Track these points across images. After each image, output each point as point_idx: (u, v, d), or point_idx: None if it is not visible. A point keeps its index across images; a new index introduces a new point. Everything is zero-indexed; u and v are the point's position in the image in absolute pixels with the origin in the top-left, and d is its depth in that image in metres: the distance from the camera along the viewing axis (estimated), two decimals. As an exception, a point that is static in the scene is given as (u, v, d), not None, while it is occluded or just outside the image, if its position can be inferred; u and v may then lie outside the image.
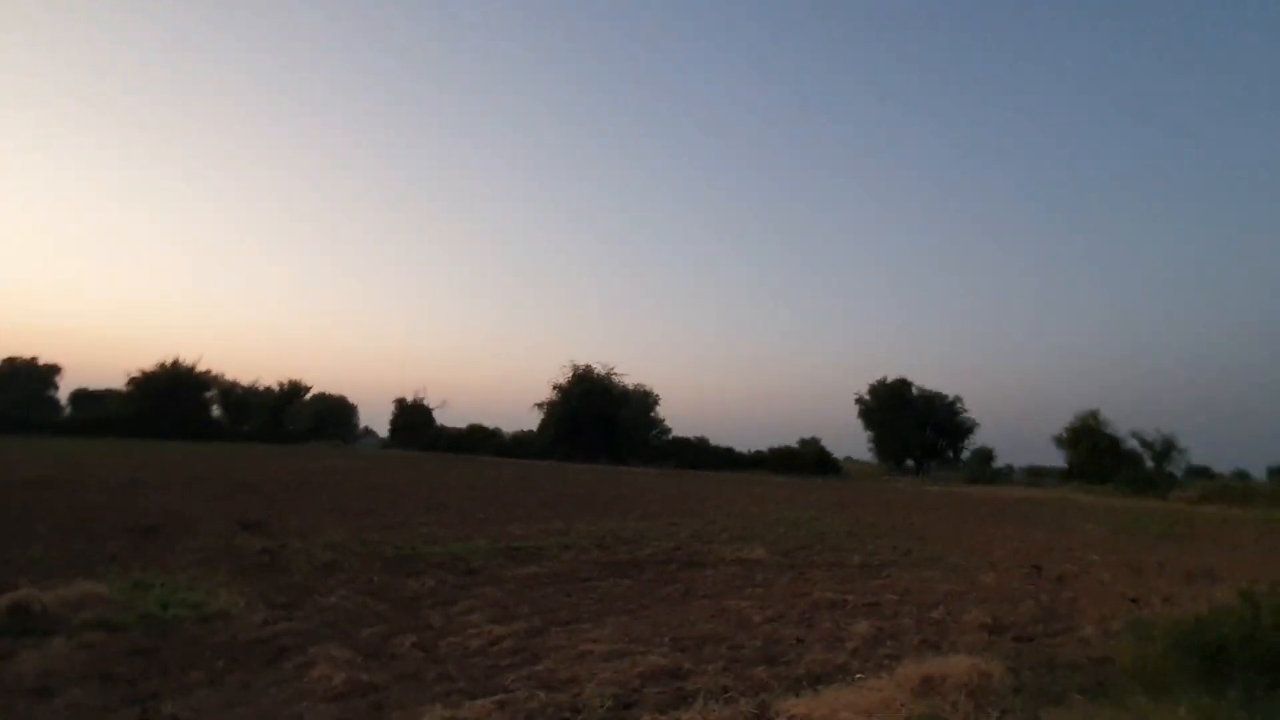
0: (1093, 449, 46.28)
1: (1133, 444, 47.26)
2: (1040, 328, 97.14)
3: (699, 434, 66.47)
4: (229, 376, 63.31)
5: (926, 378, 74.97)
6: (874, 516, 18.61)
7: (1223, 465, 55.20)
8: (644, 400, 63.62)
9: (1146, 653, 4.16)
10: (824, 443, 68.42)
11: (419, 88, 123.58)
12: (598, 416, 59.56)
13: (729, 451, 63.59)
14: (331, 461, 33.64)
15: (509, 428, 69.02)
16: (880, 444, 72.72)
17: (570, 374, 62.76)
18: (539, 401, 63.98)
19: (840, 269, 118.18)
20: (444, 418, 69.35)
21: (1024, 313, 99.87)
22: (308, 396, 72.10)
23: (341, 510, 13.36)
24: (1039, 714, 4.01)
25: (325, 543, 9.09)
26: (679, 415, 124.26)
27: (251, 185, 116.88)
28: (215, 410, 62.26)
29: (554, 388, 62.92)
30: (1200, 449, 75.84)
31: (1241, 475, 51.34)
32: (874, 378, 73.45)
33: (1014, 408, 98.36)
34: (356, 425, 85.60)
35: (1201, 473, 51.81)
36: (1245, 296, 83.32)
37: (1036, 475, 61.45)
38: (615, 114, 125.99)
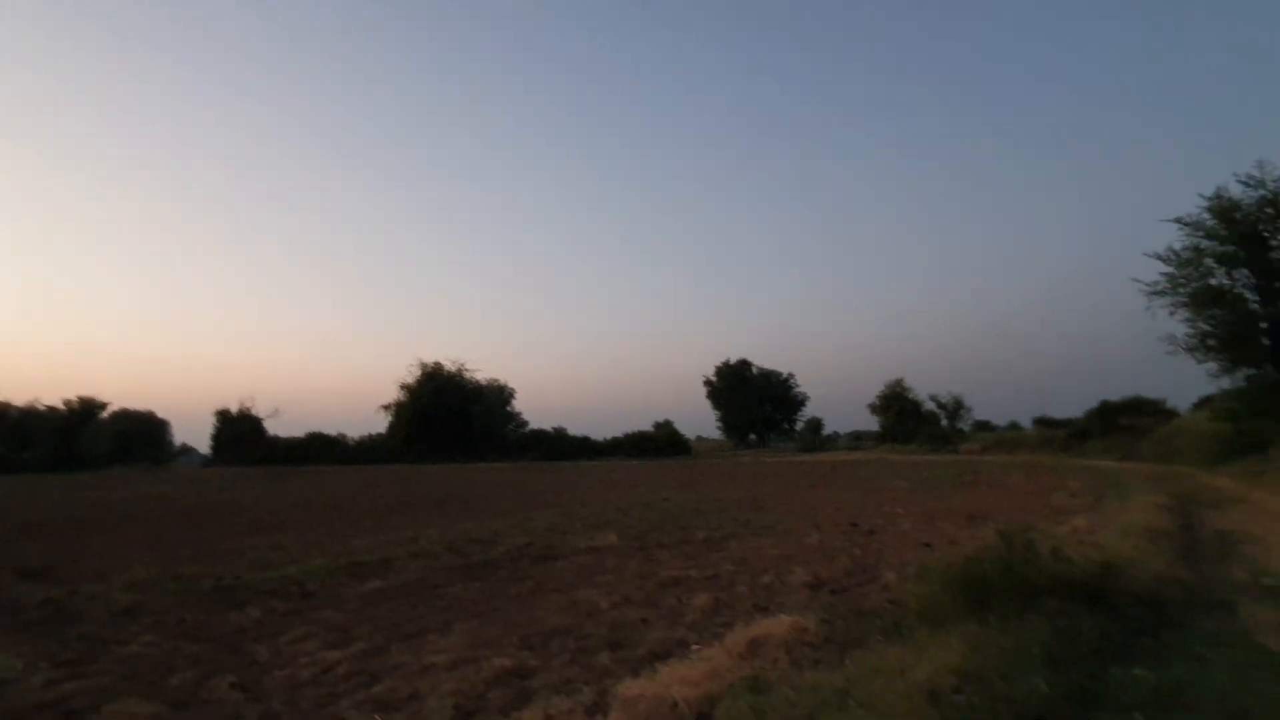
0: (900, 412, 52.78)
1: (931, 406, 54.59)
2: (858, 305, 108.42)
3: (558, 425, 66.69)
4: (-1, 398, 52.73)
5: (764, 357, 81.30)
6: (719, 491, 19.88)
7: (1000, 419, 65.45)
8: (499, 395, 62.31)
9: (927, 593, 4.92)
10: (678, 424, 72.18)
11: (242, 73, 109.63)
12: (450, 414, 57.41)
13: (585, 440, 64.35)
14: (140, 488, 29.28)
15: (355, 433, 64.24)
16: (727, 421, 78.30)
17: (419, 372, 59.85)
18: (385, 403, 60.40)
19: (684, 256, 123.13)
20: (277, 428, 62.90)
21: (844, 291, 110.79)
22: (105, 414, 62.18)
23: (150, 544, 11.72)
24: (844, 659, 4.60)
25: (127, 583, 7.96)
26: (537, 408, 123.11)
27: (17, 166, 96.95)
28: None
29: (401, 388, 59.70)
30: (983, 406, 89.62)
31: (1014, 426, 61.25)
32: (720, 360, 78.61)
33: (837, 380, 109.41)
34: (171, 443, 74.28)
35: (984, 426, 61.14)
36: (1019, 273, 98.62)
37: (859, 439, 68.94)
38: (444, 100, 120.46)
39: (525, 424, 65.60)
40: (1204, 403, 27.20)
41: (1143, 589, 5.63)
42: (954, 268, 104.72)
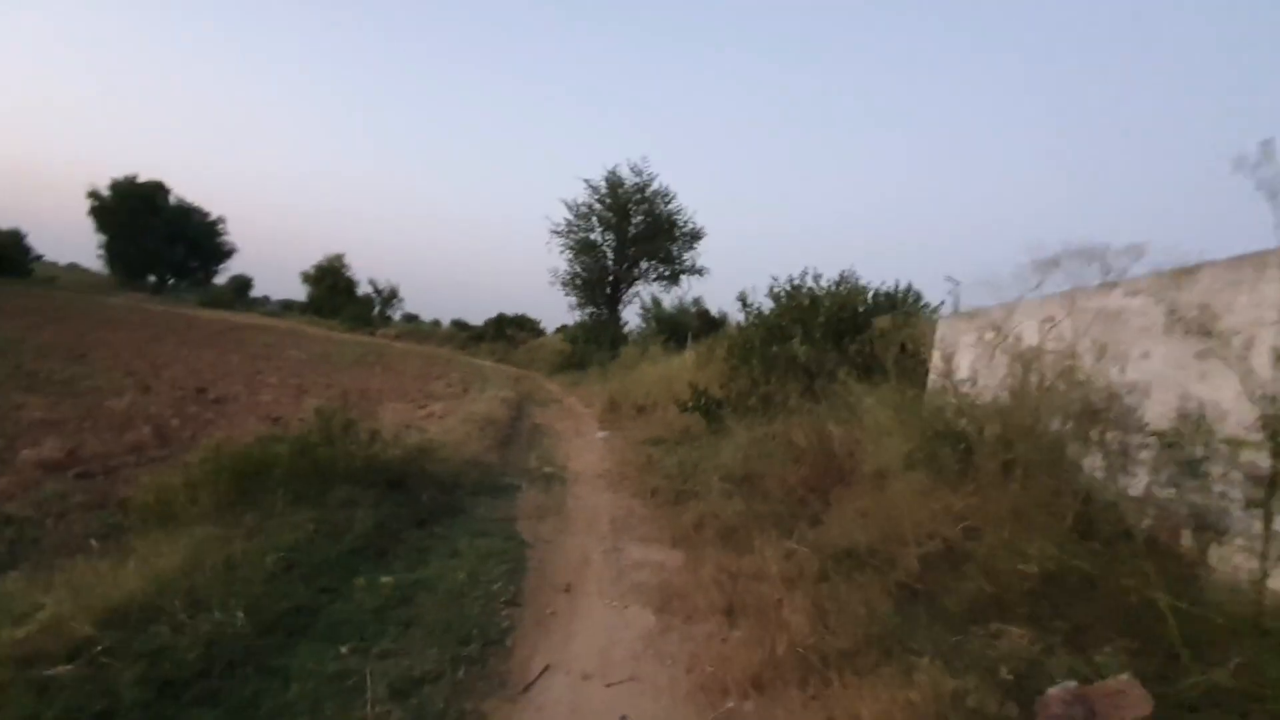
0: (332, 288, 50.33)
1: (367, 289, 54.02)
2: (308, 169, 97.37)
3: None
4: None
5: (188, 189, 64.25)
6: (31, 333, 13.98)
7: (427, 315, 70.34)
8: None
9: (164, 483, 3.74)
10: (31, 240, 49.95)
11: None
12: None
13: None
14: None
15: None
16: (115, 253, 58.67)
17: None
18: None
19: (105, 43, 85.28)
20: None
21: (291, 143, 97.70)
22: None
23: None
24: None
25: None
26: None
27: None
28: None
29: None
30: (415, 300, 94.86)
31: (436, 324, 66.69)
32: (124, 174, 58.00)
33: (277, 241, 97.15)
34: None
35: (411, 319, 64.58)
36: (474, 184, 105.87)
37: (288, 308, 62.70)
38: None
39: None
40: (562, 330, 34.69)
41: (449, 472, 5.91)
42: (410, 159, 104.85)
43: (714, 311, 30.06)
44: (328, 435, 4.60)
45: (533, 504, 5.85)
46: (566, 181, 47.20)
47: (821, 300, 7.56)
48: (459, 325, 51.11)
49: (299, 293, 59.99)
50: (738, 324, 9.58)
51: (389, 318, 54.23)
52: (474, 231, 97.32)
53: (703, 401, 8.84)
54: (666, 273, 26.48)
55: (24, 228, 59.34)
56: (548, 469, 7.32)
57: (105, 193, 57.51)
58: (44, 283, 40.70)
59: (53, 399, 7.52)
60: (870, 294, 8.00)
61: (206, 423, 7.69)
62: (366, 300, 53.73)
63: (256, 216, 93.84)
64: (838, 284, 8.03)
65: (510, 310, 44.74)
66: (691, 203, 45.73)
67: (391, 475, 4.95)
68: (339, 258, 52.91)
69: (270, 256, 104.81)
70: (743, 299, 9.00)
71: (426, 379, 17.82)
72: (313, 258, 56.99)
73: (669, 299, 26.69)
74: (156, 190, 60.42)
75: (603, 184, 25.57)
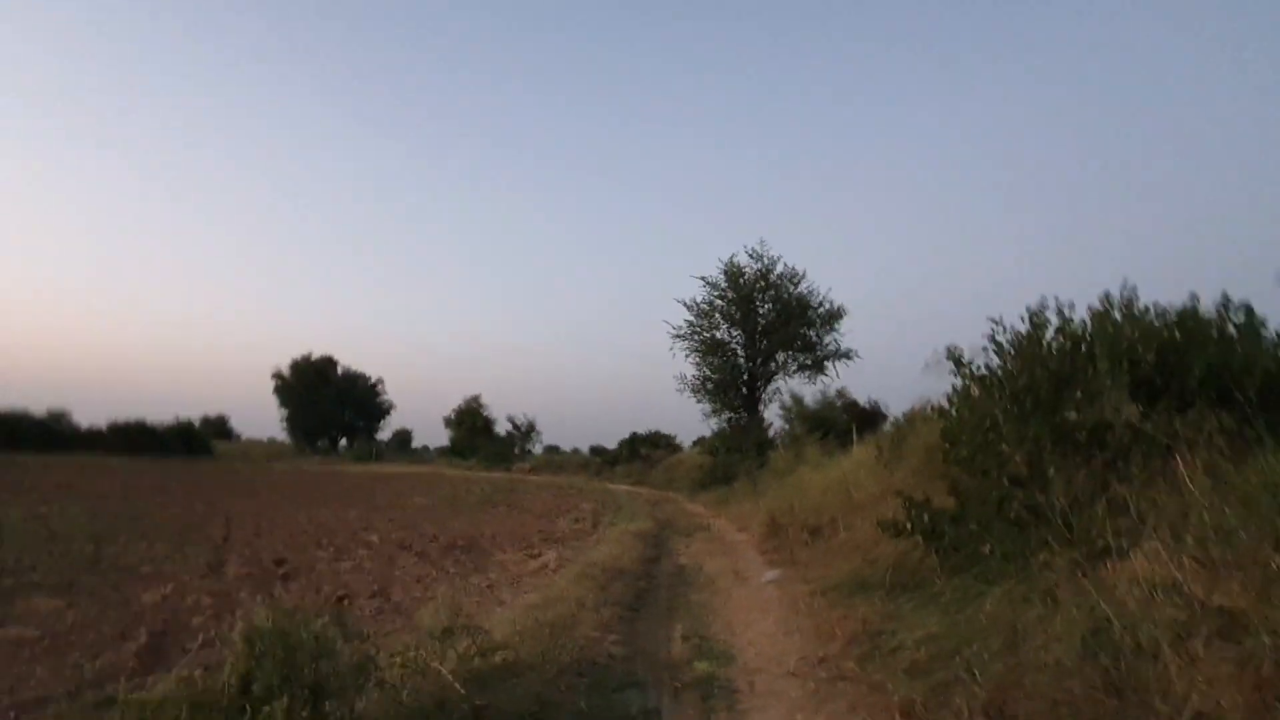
0: (472, 428, 51.68)
1: (507, 425, 55.12)
2: (449, 320, 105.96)
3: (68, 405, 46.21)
4: None
5: (350, 358, 72.12)
6: (164, 508, 13.69)
7: (567, 444, 70.49)
8: None
9: None
10: (234, 421, 57.90)
11: None
12: None
13: (43, 425, 45.33)
14: None
15: None
16: (294, 422, 65.94)
17: None
18: None
19: (263, 246, 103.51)
20: None
21: (441, 302, 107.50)
22: None
23: None
24: None
25: None
26: (38, 383, 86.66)
27: None
28: None
29: None
30: (554, 431, 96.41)
31: (576, 452, 66.56)
32: (299, 354, 66.52)
33: (429, 394, 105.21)
34: None
35: (553, 449, 64.86)
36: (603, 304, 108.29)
37: (444, 454, 65.94)
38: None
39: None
40: (700, 442, 31.91)
41: (524, 709, 3.28)
42: (533, 287, 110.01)
43: (863, 402, 26.20)
44: (244, 695, 2.24)
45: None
46: (683, 282, 46.09)
47: (1122, 330, 4.43)
48: (595, 451, 50.00)
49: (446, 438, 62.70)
50: (950, 395, 6.43)
51: (529, 451, 54.53)
52: (604, 353, 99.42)
53: (925, 519, 5.69)
54: (808, 361, 23.32)
55: (227, 411, 68.63)
56: (701, 664, 4.44)
57: (285, 372, 65.38)
58: (230, 457, 44.95)
59: (70, 599, 5.96)
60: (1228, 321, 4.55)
61: (242, 612, 5.77)
62: (506, 437, 54.69)
63: (409, 371, 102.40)
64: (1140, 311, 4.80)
65: (643, 428, 42.94)
66: (827, 280, 42.67)
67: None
68: (476, 399, 54.81)
69: (424, 407, 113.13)
70: (955, 357, 5.96)
71: (554, 515, 15.69)
72: (454, 402, 59.76)
73: (811, 393, 23.47)
74: (327, 364, 67.82)
75: (720, 278, 23.67)
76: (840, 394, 26.24)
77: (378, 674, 2.64)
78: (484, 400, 55.05)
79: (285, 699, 2.14)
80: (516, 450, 52.89)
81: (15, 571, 6.88)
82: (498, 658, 3.69)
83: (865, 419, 23.37)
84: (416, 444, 71.96)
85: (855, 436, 14.75)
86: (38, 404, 47.17)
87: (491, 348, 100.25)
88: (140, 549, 8.61)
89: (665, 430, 42.73)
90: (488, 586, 7.07)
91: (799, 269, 23.75)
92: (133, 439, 46.77)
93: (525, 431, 56.69)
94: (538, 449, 57.74)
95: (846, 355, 23.62)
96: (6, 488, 15.27)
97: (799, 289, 23.58)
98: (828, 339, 23.62)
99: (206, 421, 59.19)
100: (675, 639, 5.11)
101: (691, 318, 23.92)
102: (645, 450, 36.72)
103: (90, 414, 55.86)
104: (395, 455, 61.59)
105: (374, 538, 10.73)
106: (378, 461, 47.21)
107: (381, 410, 71.56)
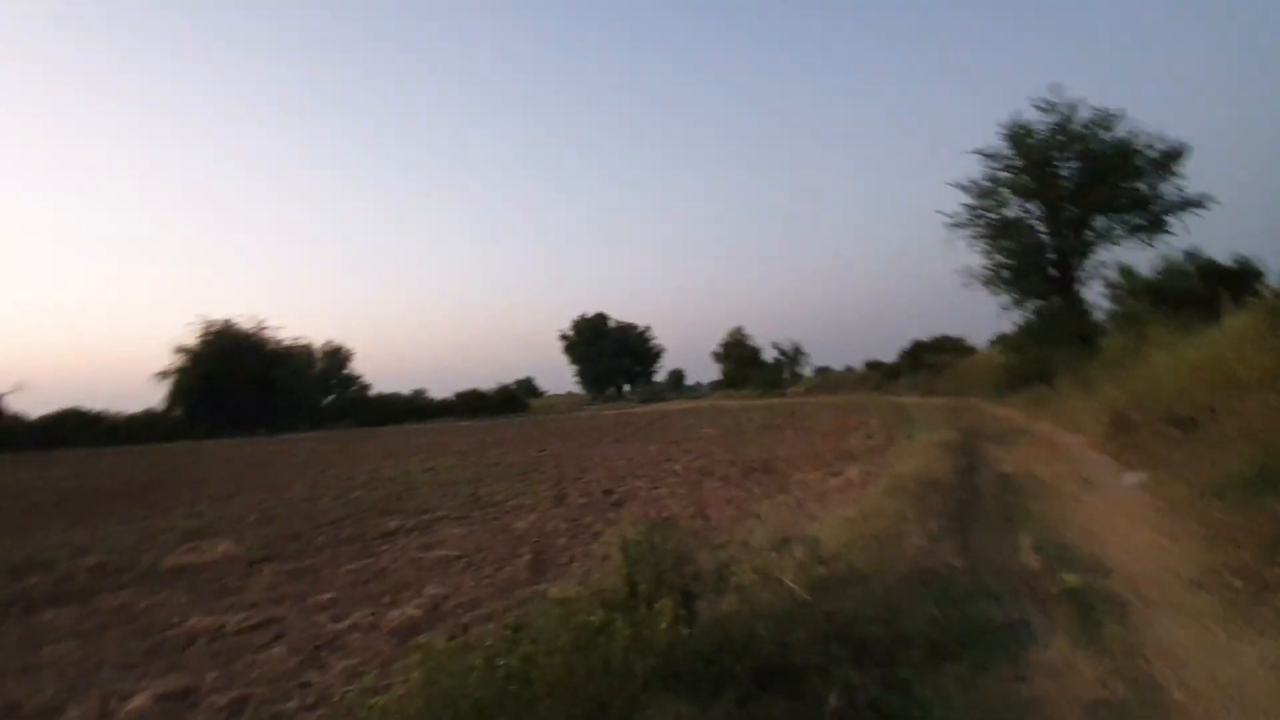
0: (740, 360, 53.03)
1: (773, 353, 55.53)
2: (706, 258, 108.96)
3: (419, 387, 61.63)
4: None
5: (620, 311, 79.90)
6: (510, 454, 16.85)
7: (838, 363, 68.36)
8: (306, 356, 54.84)
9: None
10: (539, 381, 69.18)
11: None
12: (248, 380, 49.26)
13: (411, 402, 59.06)
14: None
15: (133, 407, 53.48)
16: (584, 375, 76.09)
17: (202, 332, 50.58)
18: (162, 370, 50.61)
19: (542, 214, 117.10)
20: (26, 405, 50.79)
21: (694, 245, 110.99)
22: None
23: None
24: None
25: None
26: (394, 371, 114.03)
27: None
28: None
29: (178, 350, 50.15)
30: (823, 352, 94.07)
31: (849, 370, 64.36)
32: (577, 315, 75.96)
33: (695, 332, 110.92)
34: None
35: (823, 371, 63.63)
36: (861, 217, 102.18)
37: (716, 388, 69.78)
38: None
39: (366, 387, 60.06)
40: (1000, 339, 28.03)
41: (875, 612, 3.23)
42: (788, 216, 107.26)
43: (1225, 261, 20.11)
44: (632, 598, 2.56)
45: (1078, 679, 2.71)
46: (951, 165, 40.24)
47: None
48: (871, 366, 47.50)
49: (717, 372, 65.59)
50: None
51: (799, 375, 54.21)
52: (864, 263, 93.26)
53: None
54: (1141, 221, 18.57)
55: (532, 373, 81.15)
56: (1066, 576, 3.89)
57: (570, 332, 75.01)
58: (541, 411, 53.27)
59: (470, 528, 7.61)
60: None
61: (594, 535, 6.77)
62: (774, 364, 55.09)
63: (674, 315, 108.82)
64: None
65: (924, 334, 39.26)
66: (1155, 121, 33.41)
67: (763, 655, 2.58)
68: (738, 330, 55.93)
69: (691, 346, 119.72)
70: None
71: (841, 434, 15.33)
72: (718, 337, 62.03)
73: (1147, 260, 18.82)
74: (599, 320, 76.04)
75: (1003, 145, 19.92)
76: (1190, 255, 20.62)
77: (734, 579, 2.82)
78: (746, 331, 55.93)
79: (667, 598, 2.39)
80: (786, 375, 53.00)
81: (432, 510, 9.04)
82: (833, 568, 3.69)
83: (1232, 281, 18.10)
84: (690, 381, 76.87)
85: (1230, 302, 11.47)
86: (405, 386, 61.50)
87: (748, 281, 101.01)
88: (501, 488, 10.64)
89: (952, 333, 38.60)
90: (796, 504, 7.19)
91: (1111, 110, 18.85)
92: (472, 404, 58.12)
93: (792, 356, 56.43)
94: (808, 372, 57.19)
95: (1196, 204, 18.28)
96: (401, 451, 20.20)
97: (1111, 133, 18.75)
98: (1165, 188, 18.51)
99: (519, 384, 70.88)
100: (1024, 549, 4.59)
101: (971, 200, 20.73)
102: (930, 358, 33.61)
103: (441, 388, 70.86)
104: (673, 394, 66.42)
105: (678, 467, 11.69)
106: (660, 401, 51.32)
107: (653, 354, 78.19)
